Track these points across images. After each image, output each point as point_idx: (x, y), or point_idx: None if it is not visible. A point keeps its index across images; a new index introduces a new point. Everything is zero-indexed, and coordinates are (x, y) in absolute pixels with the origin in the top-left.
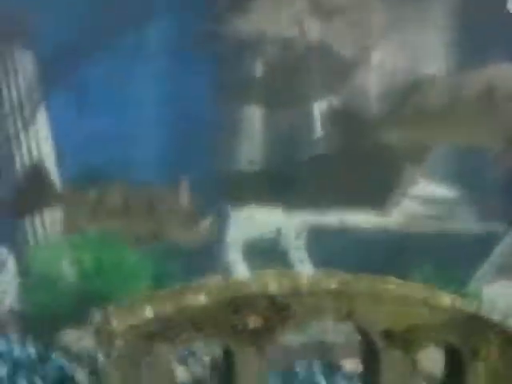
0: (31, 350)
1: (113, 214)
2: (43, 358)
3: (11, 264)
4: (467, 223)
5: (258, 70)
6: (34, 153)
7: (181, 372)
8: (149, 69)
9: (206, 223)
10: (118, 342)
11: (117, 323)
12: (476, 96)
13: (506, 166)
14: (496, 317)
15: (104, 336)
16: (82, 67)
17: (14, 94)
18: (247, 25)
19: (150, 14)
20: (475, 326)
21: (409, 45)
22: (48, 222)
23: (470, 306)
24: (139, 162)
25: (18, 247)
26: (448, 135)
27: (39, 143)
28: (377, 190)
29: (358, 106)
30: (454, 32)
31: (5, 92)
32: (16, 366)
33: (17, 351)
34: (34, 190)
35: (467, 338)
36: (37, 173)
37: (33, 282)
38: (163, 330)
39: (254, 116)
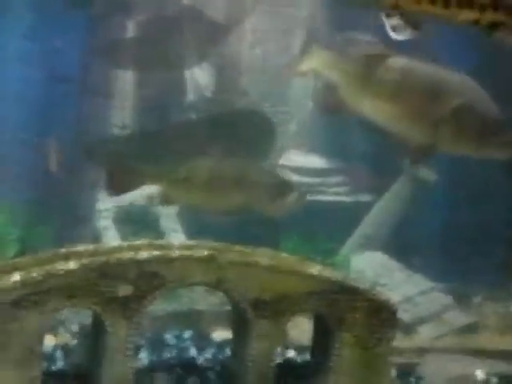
0: None
1: (201, 187)
2: None
3: None
4: (337, 194)
5: (130, 32)
6: None
7: (50, 340)
8: (15, 27)
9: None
10: None
11: None
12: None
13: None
14: (363, 286)
15: None
16: None
17: None
18: None
19: None
20: (342, 294)
21: (279, 17)
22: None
23: (337, 276)
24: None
25: None
26: None
27: None
28: (249, 159)
29: (229, 75)
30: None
31: None
32: None
33: None
34: None
35: (334, 306)
36: None
37: None
38: (31, 297)
39: (125, 79)
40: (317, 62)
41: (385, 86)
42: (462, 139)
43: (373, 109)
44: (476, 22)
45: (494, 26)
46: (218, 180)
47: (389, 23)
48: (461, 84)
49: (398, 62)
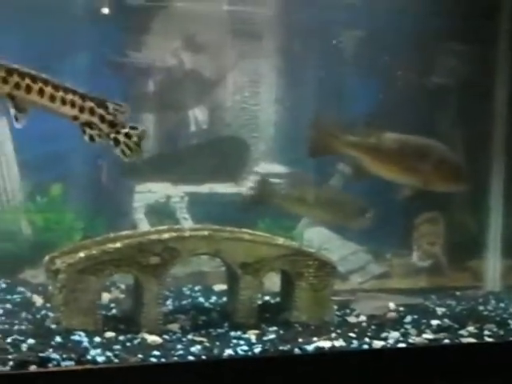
0: (2, 284)
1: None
2: (10, 289)
3: None
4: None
5: (151, 87)
6: None
7: (105, 296)
8: None
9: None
10: (60, 276)
11: (59, 263)
12: None
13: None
14: (312, 250)
15: (50, 272)
16: None
17: None
18: (142, 56)
19: None
20: (299, 256)
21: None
22: None
23: (295, 244)
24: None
25: None
26: None
27: None
28: (233, 169)
29: (218, 113)
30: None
31: None
32: None
33: None
34: None
35: (294, 264)
36: None
37: (1, 236)
38: (92, 267)
39: (147, 118)
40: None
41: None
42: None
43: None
44: (75, 118)
45: (88, 124)
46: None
47: (12, 112)
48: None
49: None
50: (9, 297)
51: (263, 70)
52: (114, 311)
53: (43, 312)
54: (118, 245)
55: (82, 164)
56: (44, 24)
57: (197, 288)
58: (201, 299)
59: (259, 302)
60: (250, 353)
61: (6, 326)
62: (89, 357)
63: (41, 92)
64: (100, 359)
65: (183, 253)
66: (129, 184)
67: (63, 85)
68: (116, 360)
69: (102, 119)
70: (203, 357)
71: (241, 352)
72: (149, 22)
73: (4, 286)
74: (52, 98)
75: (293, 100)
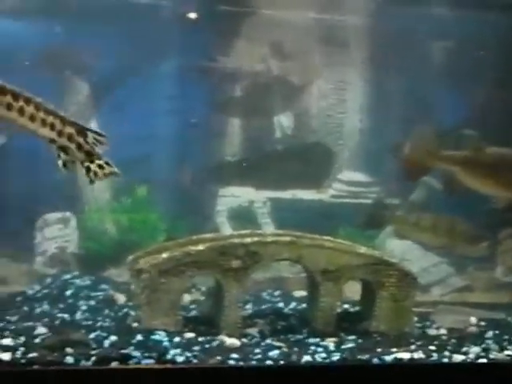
0: (87, 281)
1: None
2: (94, 286)
3: (73, 222)
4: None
5: (238, 92)
6: None
7: (186, 297)
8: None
9: None
10: (143, 276)
11: (142, 263)
12: None
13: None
14: (394, 260)
15: (134, 272)
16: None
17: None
18: (230, 62)
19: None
20: (381, 265)
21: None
22: None
23: (377, 253)
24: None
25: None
26: None
27: None
28: (317, 175)
29: (304, 120)
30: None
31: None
32: (78, 290)
33: (78, 281)
34: None
35: (375, 274)
36: None
37: (87, 234)
38: (174, 268)
39: (234, 123)
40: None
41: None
42: None
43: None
44: (52, 141)
45: (63, 148)
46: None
47: None
48: None
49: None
50: (93, 294)
51: (350, 77)
52: (194, 312)
53: (125, 310)
54: (201, 247)
55: (167, 166)
56: (135, 29)
57: (276, 293)
58: (280, 304)
59: (339, 310)
60: (327, 360)
61: (90, 322)
62: (168, 356)
63: (21, 111)
64: (179, 359)
65: (265, 257)
66: (212, 187)
67: (45, 105)
68: (195, 361)
69: (80, 147)
70: (281, 362)
71: (319, 359)
72: (237, 27)
73: (89, 283)
74: (32, 118)
75: (379, 109)
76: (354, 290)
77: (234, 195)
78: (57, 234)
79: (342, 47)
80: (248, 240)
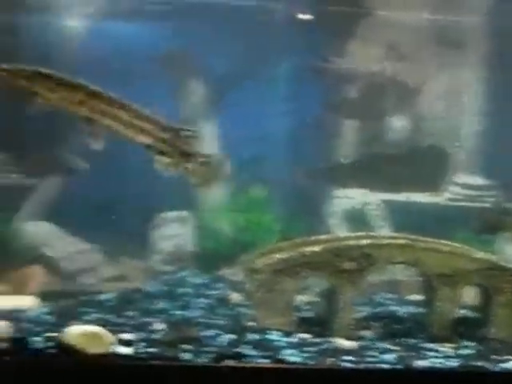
0: (203, 279)
1: None
2: (209, 285)
3: (190, 220)
4: (492, 201)
5: (352, 93)
6: None
7: (300, 298)
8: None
9: None
10: (258, 276)
11: (257, 263)
12: None
13: None
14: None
15: (249, 271)
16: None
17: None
18: (345, 63)
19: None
20: (498, 271)
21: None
22: None
23: (494, 258)
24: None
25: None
26: None
27: None
28: (432, 178)
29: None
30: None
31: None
32: (194, 288)
33: (194, 279)
34: None
35: (493, 279)
36: None
37: (204, 233)
38: (289, 268)
39: (348, 125)
40: None
41: None
42: None
43: None
44: (148, 147)
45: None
46: None
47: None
48: None
49: None
50: (208, 292)
51: (465, 78)
52: (307, 313)
53: (239, 309)
54: (316, 248)
55: (282, 167)
56: (251, 32)
57: (389, 296)
58: (394, 308)
59: (456, 315)
60: (445, 366)
61: (205, 320)
62: (282, 356)
63: (116, 117)
64: (293, 359)
65: (379, 260)
66: (326, 189)
67: (140, 112)
68: (309, 361)
69: (175, 149)
70: (397, 366)
71: (435, 364)
72: (351, 28)
73: (204, 281)
74: (127, 125)
75: (497, 111)
76: (470, 295)
77: (348, 197)
78: (174, 232)
79: (457, 48)
80: (363, 242)
